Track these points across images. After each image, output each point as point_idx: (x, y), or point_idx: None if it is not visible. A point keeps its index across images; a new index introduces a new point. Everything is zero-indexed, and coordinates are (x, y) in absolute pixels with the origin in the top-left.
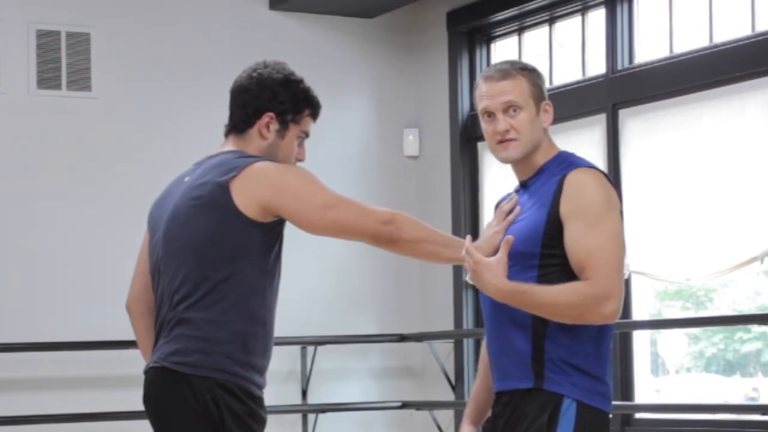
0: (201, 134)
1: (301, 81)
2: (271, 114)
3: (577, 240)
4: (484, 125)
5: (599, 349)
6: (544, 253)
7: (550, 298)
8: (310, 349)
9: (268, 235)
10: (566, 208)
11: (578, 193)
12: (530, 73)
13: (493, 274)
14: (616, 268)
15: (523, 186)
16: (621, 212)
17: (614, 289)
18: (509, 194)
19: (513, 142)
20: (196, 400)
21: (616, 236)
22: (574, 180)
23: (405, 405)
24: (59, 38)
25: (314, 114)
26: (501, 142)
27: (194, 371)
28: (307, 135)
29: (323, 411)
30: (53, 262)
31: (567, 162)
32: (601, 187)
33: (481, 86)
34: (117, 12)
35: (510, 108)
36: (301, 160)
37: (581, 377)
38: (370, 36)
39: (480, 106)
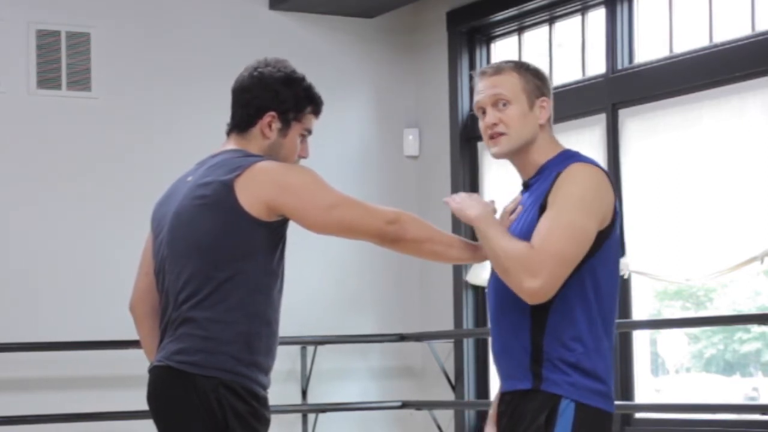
0: (201, 134)
1: (302, 79)
2: (273, 113)
3: (541, 221)
4: (480, 122)
5: (599, 348)
6: None
7: (494, 237)
8: (310, 349)
9: (273, 235)
10: (551, 197)
11: (564, 183)
12: (525, 70)
13: (474, 203)
14: (557, 254)
15: (525, 186)
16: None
17: (546, 270)
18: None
19: (502, 136)
20: (200, 399)
21: (574, 228)
22: (565, 173)
23: (405, 405)
24: (59, 38)
25: (316, 111)
26: (492, 137)
27: (199, 371)
28: (309, 132)
29: (323, 411)
30: (53, 261)
31: (569, 160)
32: (589, 180)
33: (476, 83)
34: (117, 12)
35: (498, 102)
36: (304, 157)
37: (580, 377)
38: (370, 36)
39: (474, 102)
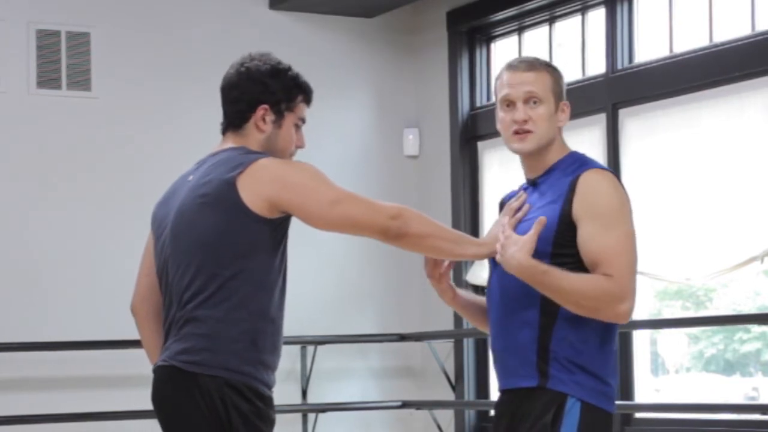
0: (201, 134)
1: (289, 68)
2: (265, 106)
3: (592, 238)
4: (502, 114)
5: (604, 350)
6: (555, 252)
7: (570, 285)
8: (310, 348)
9: (276, 231)
10: (580, 208)
11: (593, 194)
12: (554, 70)
13: (518, 248)
14: (632, 269)
15: (532, 184)
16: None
17: (630, 290)
18: (515, 191)
19: (529, 134)
20: (204, 399)
21: (631, 238)
22: (587, 181)
23: (405, 405)
24: (59, 38)
25: (307, 99)
26: (517, 132)
27: (203, 370)
28: (303, 121)
29: (323, 411)
30: (53, 262)
31: (579, 162)
32: (615, 189)
33: (504, 75)
34: (117, 12)
35: (531, 99)
36: (300, 147)
37: (586, 377)
38: (370, 36)
39: (500, 94)
